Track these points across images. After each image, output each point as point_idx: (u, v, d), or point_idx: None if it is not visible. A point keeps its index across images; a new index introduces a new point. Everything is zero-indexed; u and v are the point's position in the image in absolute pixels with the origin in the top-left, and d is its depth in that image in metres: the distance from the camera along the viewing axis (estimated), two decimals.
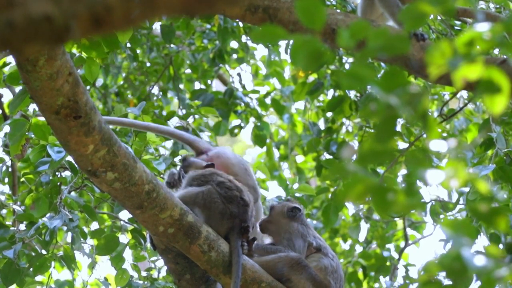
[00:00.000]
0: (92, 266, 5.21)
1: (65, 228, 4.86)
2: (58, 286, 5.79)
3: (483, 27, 2.17)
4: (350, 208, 7.86)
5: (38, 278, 5.16)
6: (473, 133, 6.97)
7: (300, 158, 8.51)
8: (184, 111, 7.71)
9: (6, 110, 6.65)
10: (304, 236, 4.78)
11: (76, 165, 4.32)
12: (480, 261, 2.10)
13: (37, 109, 4.53)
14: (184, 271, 4.60)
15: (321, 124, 7.60)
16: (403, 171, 5.23)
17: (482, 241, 5.42)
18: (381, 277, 7.51)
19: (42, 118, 4.60)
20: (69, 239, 4.97)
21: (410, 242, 7.78)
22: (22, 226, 5.27)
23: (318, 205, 7.78)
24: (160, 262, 5.80)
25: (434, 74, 2.19)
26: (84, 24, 1.88)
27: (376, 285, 7.55)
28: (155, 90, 8.33)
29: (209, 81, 8.27)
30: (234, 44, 7.81)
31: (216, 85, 9.79)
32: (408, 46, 2.13)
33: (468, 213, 5.26)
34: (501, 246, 5.20)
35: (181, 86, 8.19)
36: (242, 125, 7.67)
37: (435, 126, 2.13)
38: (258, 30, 2.17)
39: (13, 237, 4.90)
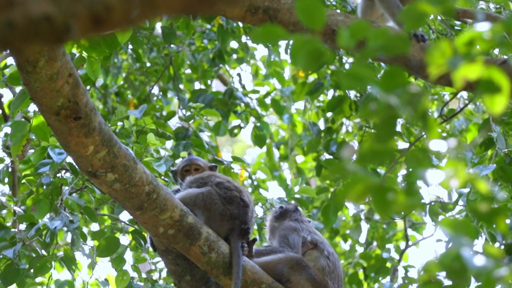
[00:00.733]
0: (92, 266, 5.21)
1: (65, 229, 4.86)
2: (58, 287, 5.79)
3: (483, 27, 2.17)
4: (350, 209, 7.87)
5: (38, 279, 5.16)
6: (473, 133, 6.97)
7: (300, 158, 8.51)
8: (184, 111, 7.72)
9: (7, 110, 6.65)
10: (298, 231, 4.79)
11: (76, 166, 4.32)
12: (479, 261, 2.10)
13: (37, 109, 4.53)
14: (184, 272, 4.60)
15: (321, 124, 7.60)
16: (403, 171, 5.23)
17: (482, 241, 5.41)
18: (380, 278, 7.51)
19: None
20: (69, 240, 4.97)
21: (410, 243, 7.77)
22: (22, 227, 5.28)
23: (318, 205, 7.78)
24: (161, 264, 5.81)
25: (434, 74, 2.19)
26: (84, 24, 1.88)
27: (376, 285, 7.55)
28: (155, 90, 8.33)
29: (209, 81, 8.27)
30: (234, 44, 7.81)
31: (216, 85, 9.79)
32: (408, 46, 2.13)
33: (468, 214, 5.25)
34: (499, 246, 5.20)
35: (181, 86, 8.19)
36: (242, 125, 7.67)
37: (435, 126, 2.13)
38: (258, 30, 2.17)
39: (13, 238, 4.90)
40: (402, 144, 6.34)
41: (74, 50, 4.58)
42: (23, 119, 4.88)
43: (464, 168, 2.11)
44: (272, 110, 8.17)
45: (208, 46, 7.82)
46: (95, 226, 6.59)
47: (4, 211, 5.52)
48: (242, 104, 7.66)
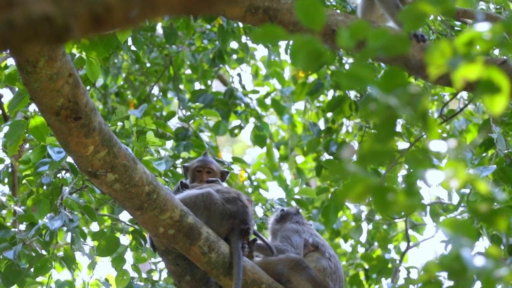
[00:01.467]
0: (92, 266, 5.21)
1: (65, 228, 4.86)
2: (58, 287, 5.79)
3: (483, 27, 2.17)
4: (351, 209, 7.86)
5: (38, 278, 5.16)
6: (473, 133, 6.97)
7: (300, 159, 8.51)
8: (184, 112, 7.72)
9: (6, 110, 6.65)
10: (299, 232, 4.79)
11: (76, 166, 4.32)
12: (480, 261, 2.10)
13: (37, 109, 4.53)
14: (184, 272, 4.59)
15: (321, 125, 7.60)
16: (403, 172, 5.23)
17: (483, 242, 5.42)
18: (382, 279, 7.51)
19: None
20: (69, 239, 4.97)
21: (411, 244, 7.77)
22: (22, 227, 5.27)
23: (318, 205, 7.78)
24: (161, 264, 5.80)
25: (434, 74, 2.19)
26: (84, 24, 1.88)
27: (377, 286, 7.55)
28: (155, 90, 8.33)
29: (209, 82, 8.27)
30: (234, 45, 7.81)
31: (216, 86, 9.79)
32: (408, 46, 2.13)
33: (469, 214, 5.25)
34: (502, 247, 5.20)
35: (181, 86, 8.19)
36: (242, 125, 7.67)
37: (435, 126, 2.13)
38: (258, 30, 2.17)
39: (13, 238, 4.90)
40: (402, 145, 6.34)
41: (74, 50, 4.58)
42: (22, 119, 4.88)
43: (464, 168, 2.11)
44: (272, 110, 8.17)
45: (208, 46, 7.82)
46: (95, 226, 6.59)
47: (4, 211, 5.52)
48: (242, 104, 7.66)
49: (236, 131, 7.66)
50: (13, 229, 5.06)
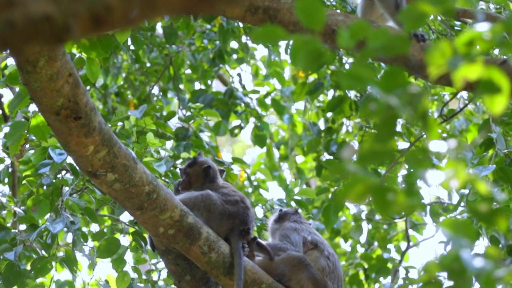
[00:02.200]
0: (92, 267, 5.21)
1: (65, 229, 4.86)
2: (58, 287, 5.79)
3: (483, 27, 2.17)
4: (351, 209, 7.86)
5: (39, 279, 5.16)
6: (473, 133, 6.97)
7: (300, 159, 8.51)
8: (184, 111, 7.72)
9: (7, 111, 6.65)
10: (298, 231, 4.80)
11: (76, 166, 4.32)
12: (479, 262, 2.10)
13: (37, 109, 4.53)
14: (184, 272, 4.59)
15: (321, 124, 7.60)
16: (403, 171, 5.23)
17: (484, 243, 5.41)
18: (381, 278, 7.51)
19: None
20: (69, 240, 4.97)
21: (411, 243, 7.77)
22: (22, 227, 5.27)
23: (318, 205, 7.78)
24: (161, 265, 5.80)
25: (434, 74, 2.19)
26: (84, 24, 1.88)
27: (377, 286, 7.55)
28: (155, 90, 8.33)
29: (209, 81, 8.27)
30: (234, 44, 7.81)
31: (216, 85, 9.79)
32: (408, 46, 2.13)
33: (469, 214, 5.25)
34: (501, 248, 5.20)
35: (181, 86, 8.19)
36: (242, 125, 7.67)
37: (435, 126, 2.13)
38: (258, 30, 2.17)
39: (14, 239, 4.90)
40: (402, 144, 6.34)
41: (74, 50, 4.58)
42: (23, 119, 4.88)
43: (464, 168, 2.11)
44: (272, 110, 8.17)
45: (208, 46, 7.82)
46: (95, 227, 6.59)
47: (4, 212, 5.52)
48: (242, 104, 7.66)
49: (236, 131, 7.66)
50: (13, 230, 5.05)
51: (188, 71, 8.30)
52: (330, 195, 6.94)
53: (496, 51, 4.84)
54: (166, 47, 7.89)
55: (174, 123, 6.91)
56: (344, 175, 2.10)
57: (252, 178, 7.34)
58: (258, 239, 4.69)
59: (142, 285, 5.40)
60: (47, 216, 5.07)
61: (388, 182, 2.15)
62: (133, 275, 5.33)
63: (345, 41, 2.14)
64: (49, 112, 3.87)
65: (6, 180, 6.17)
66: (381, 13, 4.95)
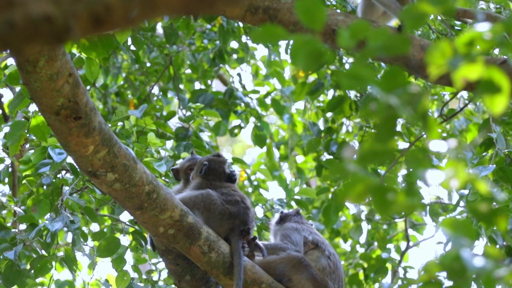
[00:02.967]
0: (92, 266, 5.21)
1: (65, 229, 4.86)
2: (58, 287, 5.79)
3: (483, 27, 2.17)
4: (351, 209, 7.86)
5: (38, 279, 5.16)
6: (473, 133, 6.97)
7: (300, 158, 8.51)
8: (184, 111, 7.72)
9: (7, 111, 6.65)
10: (299, 230, 4.81)
11: (76, 166, 4.32)
12: (479, 261, 2.10)
13: (37, 109, 4.53)
14: (184, 272, 4.59)
15: (321, 124, 7.60)
16: (403, 171, 5.23)
17: (483, 243, 5.41)
18: (381, 279, 7.51)
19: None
20: (69, 240, 4.97)
21: (411, 244, 7.77)
22: (22, 227, 5.27)
23: (318, 205, 7.78)
24: (161, 265, 5.80)
25: (434, 74, 2.19)
26: (84, 24, 1.88)
27: (377, 286, 7.55)
28: (155, 90, 8.33)
29: (209, 81, 8.27)
30: (234, 44, 7.81)
31: (216, 85, 9.79)
32: (408, 46, 2.13)
33: (469, 215, 5.25)
34: (499, 248, 5.20)
35: (181, 86, 8.19)
36: (242, 125, 7.67)
37: (435, 126, 2.13)
38: (258, 30, 2.17)
39: (14, 239, 4.90)
40: (402, 144, 6.34)
41: (74, 50, 4.58)
42: (23, 119, 4.88)
43: (464, 168, 2.11)
44: (272, 110, 8.17)
45: (208, 46, 7.82)
46: (95, 227, 6.59)
47: (4, 212, 5.52)
48: (242, 104, 7.66)
49: (236, 131, 7.66)
50: (13, 230, 5.05)
51: (188, 71, 8.30)
52: (330, 195, 6.94)
53: (496, 51, 4.84)
54: (166, 47, 7.89)
55: (174, 123, 6.91)
56: (344, 175, 2.10)
57: (252, 178, 7.33)
58: (257, 240, 4.69)
59: (142, 284, 5.40)
60: (47, 215, 5.07)
61: (388, 182, 2.15)
62: (133, 274, 5.33)
63: (345, 41, 2.14)
64: (49, 112, 3.88)
65: (6, 179, 6.17)
66: (381, 13, 4.95)
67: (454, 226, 2.13)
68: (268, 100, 7.94)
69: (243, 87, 8.07)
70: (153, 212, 4.27)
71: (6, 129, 4.82)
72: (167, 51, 7.94)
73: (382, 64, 5.89)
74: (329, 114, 7.25)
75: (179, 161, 5.49)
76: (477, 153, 5.27)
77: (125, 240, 5.70)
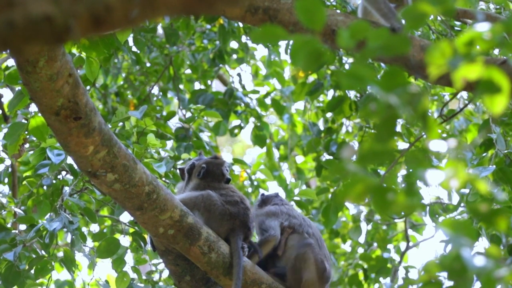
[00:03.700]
0: (92, 267, 5.21)
1: (65, 229, 4.86)
2: (58, 287, 5.78)
3: (483, 27, 2.17)
4: (350, 209, 7.86)
5: (38, 280, 5.15)
6: (473, 133, 6.97)
7: (300, 159, 8.51)
8: (184, 111, 7.72)
9: (6, 110, 6.65)
10: (277, 215, 4.80)
11: (76, 166, 4.32)
12: (480, 261, 2.10)
13: (37, 109, 4.53)
14: (184, 272, 4.59)
15: (321, 125, 7.60)
16: (403, 171, 5.22)
17: (483, 243, 5.41)
18: (381, 279, 7.51)
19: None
20: (69, 241, 4.97)
21: (411, 244, 7.77)
22: (22, 228, 5.27)
23: (317, 205, 7.78)
24: (161, 265, 5.80)
25: (434, 74, 2.19)
26: (84, 24, 1.88)
27: (376, 286, 7.55)
28: (155, 90, 8.33)
29: (209, 82, 8.27)
30: (234, 45, 7.81)
31: (216, 85, 9.79)
32: (408, 46, 2.13)
33: (469, 215, 5.25)
34: (502, 247, 5.20)
35: (181, 86, 8.19)
36: (242, 125, 7.67)
37: (435, 126, 2.13)
38: (258, 30, 2.17)
39: (14, 240, 4.90)
40: (402, 144, 6.34)
41: (74, 50, 4.58)
42: (23, 119, 4.88)
43: (464, 168, 2.11)
44: (272, 110, 8.17)
45: (208, 46, 7.82)
46: (95, 227, 6.58)
47: (4, 212, 5.52)
48: (242, 104, 7.66)
49: (236, 131, 7.66)
50: (13, 231, 5.05)
51: (188, 71, 8.30)
52: (330, 195, 6.94)
53: (496, 51, 4.84)
54: (166, 47, 7.89)
55: (174, 123, 6.91)
56: (344, 175, 2.10)
57: (252, 178, 7.33)
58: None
59: (142, 285, 5.39)
60: (47, 216, 5.07)
61: (388, 182, 2.15)
62: (133, 275, 5.33)
63: (345, 41, 2.14)
64: (49, 112, 3.87)
65: (6, 180, 6.17)
66: None
67: (454, 226, 2.13)
68: (268, 100, 7.94)
69: (243, 87, 8.07)
70: (153, 212, 4.27)
71: (6, 129, 4.82)
72: (167, 51, 7.94)
73: (382, 64, 5.89)
74: (329, 114, 7.25)
75: (190, 161, 5.50)
76: (477, 153, 5.27)
77: (125, 241, 5.70)
